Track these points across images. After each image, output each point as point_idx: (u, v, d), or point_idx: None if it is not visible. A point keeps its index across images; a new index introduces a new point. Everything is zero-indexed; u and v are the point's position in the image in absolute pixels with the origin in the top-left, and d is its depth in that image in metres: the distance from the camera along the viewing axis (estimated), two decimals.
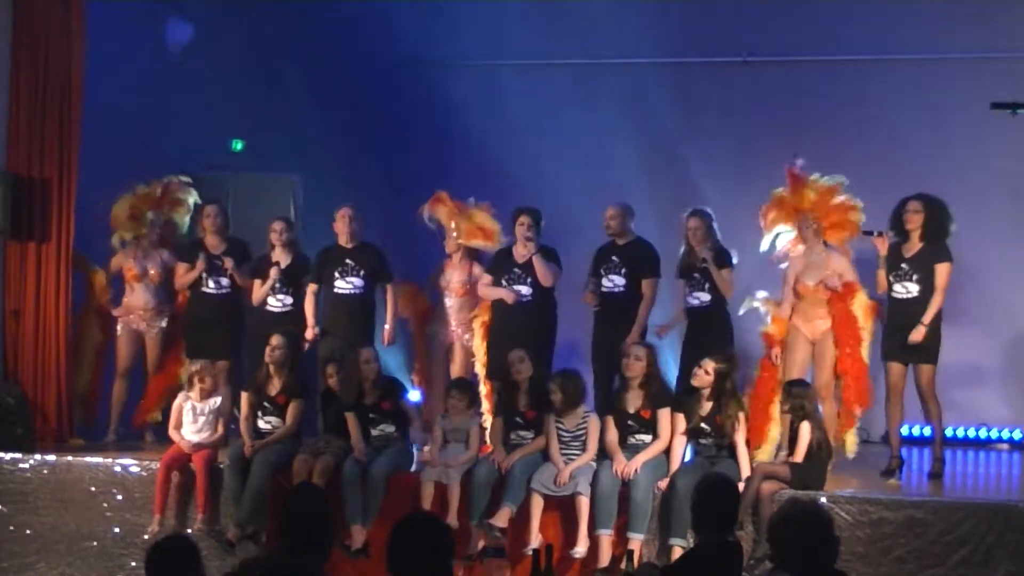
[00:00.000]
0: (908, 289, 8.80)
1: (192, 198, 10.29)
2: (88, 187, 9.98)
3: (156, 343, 9.91)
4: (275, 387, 8.84)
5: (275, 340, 8.84)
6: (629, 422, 8.33)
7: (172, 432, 8.88)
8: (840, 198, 9.25)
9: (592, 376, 9.18)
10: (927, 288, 8.76)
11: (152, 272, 9.89)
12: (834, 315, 8.99)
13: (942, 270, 8.76)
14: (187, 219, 10.31)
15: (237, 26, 12.12)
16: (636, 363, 8.33)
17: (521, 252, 9.45)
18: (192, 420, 8.84)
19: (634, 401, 8.34)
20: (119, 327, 9.90)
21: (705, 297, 9.26)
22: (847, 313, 8.98)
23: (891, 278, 8.84)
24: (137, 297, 9.87)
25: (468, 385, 8.97)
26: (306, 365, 9.62)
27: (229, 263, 9.79)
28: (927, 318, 8.72)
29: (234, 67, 12.07)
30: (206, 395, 8.89)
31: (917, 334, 8.70)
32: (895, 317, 8.87)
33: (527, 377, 8.48)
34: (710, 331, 9.12)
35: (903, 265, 8.82)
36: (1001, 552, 7.77)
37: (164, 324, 9.92)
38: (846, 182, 9.24)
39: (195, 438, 8.79)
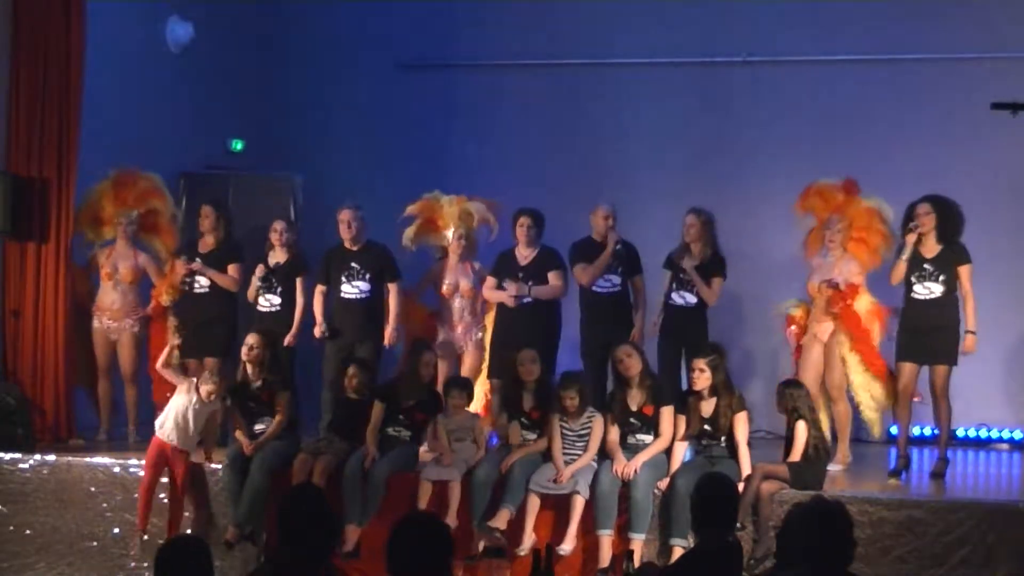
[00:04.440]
0: (931, 289, 8.81)
1: (160, 190, 10.19)
2: (88, 187, 9.98)
3: (127, 346, 9.82)
4: (254, 385, 8.80)
5: (251, 340, 8.78)
6: (631, 419, 8.31)
7: (160, 429, 8.65)
8: (883, 225, 9.28)
9: None
10: (950, 289, 8.80)
11: (123, 271, 9.83)
12: (839, 314, 9.06)
13: (966, 272, 8.81)
14: (170, 207, 10.23)
15: (237, 26, 12.13)
16: (631, 360, 8.30)
17: (523, 253, 9.46)
18: (191, 421, 8.68)
19: (636, 398, 8.33)
20: (93, 325, 9.85)
21: (691, 299, 9.36)
22: (851, 312, 9.04)
23: (912, 279, 8.85)
24: (106, 295, 9.83)
25: (467, 383, 8.94)
26: (310, 364, 9.62)
27: (196, 266, 9.77)
28: (972, 324, 8.78)
29: (234, 67, 12.09)
30: (210, 398, 8.74)
31: (969, 344, 8.78)
32: (913, 318, 8.87)
33: (535, 378, 8.47)
34: (688, 331, 9.22)
35: (925, 266, 8.83)
36: (1002, 552, 7.77)
37: (135, 327, 9.82)
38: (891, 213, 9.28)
39: (178, 440, 8.61)
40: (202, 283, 9.84)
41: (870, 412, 9.16)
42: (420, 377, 8.64)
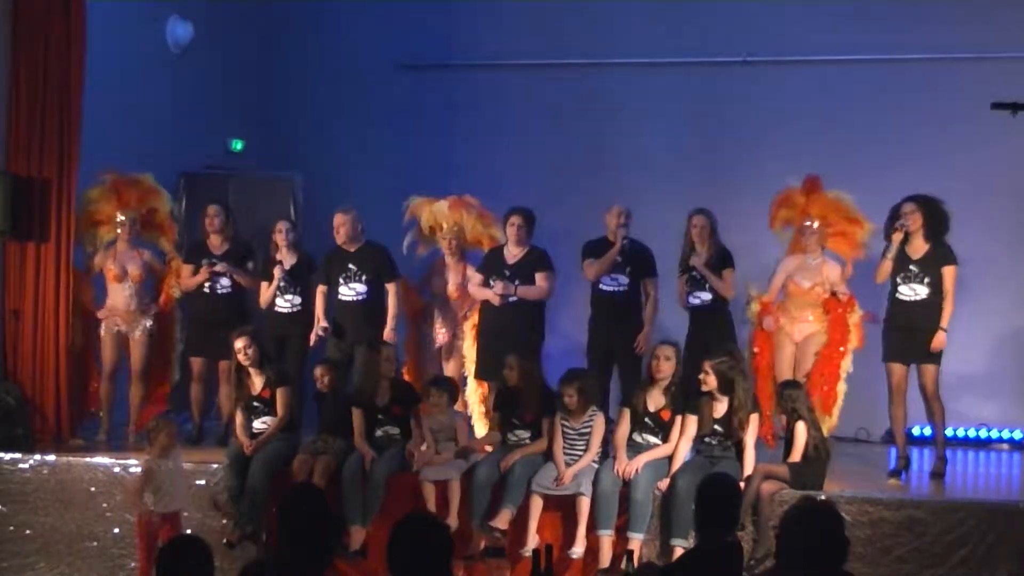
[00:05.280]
0: (916, 291, 8.81)
1: (157, 189, 10.14)
2: (84, 191, 9.95)
3: (140, 344, 9.80)
4: (257, 385, 8.82)
5: (240, 342, 8.74)
6: (646, 419, 8.30)
7: (135, 498, 8.39)
8: (852, 213, 9.31)
9: None
10: (935, 291, 8.79)
11: (132, 272, 9.81)
12: (832, 321, 9.13)
13: (950, 273, 8.80)
14: (168, 204, 10.19)
15: (237, 26, 12.14)
16: (666, 363, 8.30)
17: (512, 252, 9.47)
18: (161, 485, 8.32)
19: (656, 400, 8.33)
20: (103, 329, 9.82)
21: (706, 296, 9.34)
22: (845, 323, 9.09)
23: (898, 279, 8.86)
24: (118, 298, 9.80)
25: (446, 382, 8.94)
26: (311, 364, 9.63)
27: (223, 267, 9.79)
28: (945, 322, 8.77)
29: (234, 67, 12.09)
30: (163, 453, 8.39)
31: (938, 341, 8.75)
32: (898, 318, 8.87)
33: (517, 382, 8.46)
34: (712, 330, 9.18)
35: (911, 267, 8.83)
36: (1001, 552, 7.78)
37: (148, 324, 9.82)
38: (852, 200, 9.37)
39: (162, 504, 8.33)
40: (224, 283, 9.84)
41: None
42: (383, 373, 8.64)
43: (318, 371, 8.87)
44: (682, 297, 9.47)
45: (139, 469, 8.58)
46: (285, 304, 9.78)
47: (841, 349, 9.15)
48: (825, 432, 8.69)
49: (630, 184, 11.09)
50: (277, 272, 9.72)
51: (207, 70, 11.75)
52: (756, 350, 9.38)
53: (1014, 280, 10.89)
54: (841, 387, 9.23)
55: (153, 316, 9.86)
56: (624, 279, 9.46)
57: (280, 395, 8.77)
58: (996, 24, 10.94)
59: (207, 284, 9.82)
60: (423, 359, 9.98)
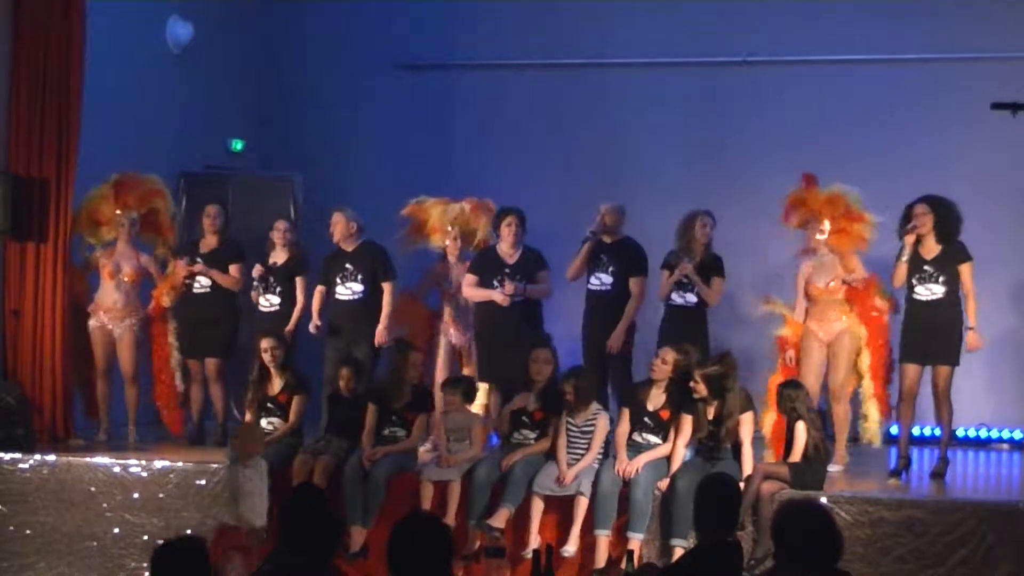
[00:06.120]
0: (933, 291, 8.81)
1: (161, 190, 10.14)
2: (87, 187, 9.97)
3: (127, 346, 9.78)
4: (275, 387, 8.88)
5: (266, 343, 8.84)
6: (645, 419, 8.30)
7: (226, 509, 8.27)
8: (853, 207, 9.26)
9: None
10: (951, 290, 8.80)
11: (125, 270, 9.80)
12: (860, 313, 9.09)
13: (967, 270, 8.82)
14: (170, 207, 10.18)
15: (237, 26, 12.14)
16: (661, 367, 8.30)
17: (508, 252, 9.46)
18: (241, 496, 8.13)
19: (656, 399, 8.32)
20: (91, 324, 9.81)
21: (692, 299, 9.33)
22: (871, 308, 9.06)
23: (914, 280, 8.85)
24: (107, 295, 9.79)
25: (458, 381, 8.91)
26: (311, 364, 9.64)
27: (198, 267, 9.79)
28: (973, 321, 8.81)
29: (234, 67, 12.09)
30: (246, 462, 8.17)
31: (971, 341, 8.81)
32: (915, 319, 8.86)
33: (551, 375, 8.46)
34: (687, 331, 9.13)
35: (926, 267, 8.82)
36: (1001, 552, 7.77)
37: (135, 326, 9.79)
38: (858, 194, 9.27)
39: (246, 518, 8.11)
40: (203, 283, 9.86)
41: (873, 426, 9.16)
42: (407, 378, 8.65)
43: (345, 372, 8.87)
44: (664, 293, 9.42)
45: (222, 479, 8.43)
46: (264, 303, 9.82)
47: (880, 342, 9.13)
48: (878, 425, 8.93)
49: (630, 184, 11.09)
50: (255, 272, 9.74)
51: (207, 70, 11.75)
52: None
53: (1014, 280, 10.90)
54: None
55: (139, 318, 9.83)
56: (607, 278, 9.45)
57: (296, 403, 8.84)
58: (996, 24, 10.95)
59: (187, 283, 9.83)
60: (437, 363, 9.85)
